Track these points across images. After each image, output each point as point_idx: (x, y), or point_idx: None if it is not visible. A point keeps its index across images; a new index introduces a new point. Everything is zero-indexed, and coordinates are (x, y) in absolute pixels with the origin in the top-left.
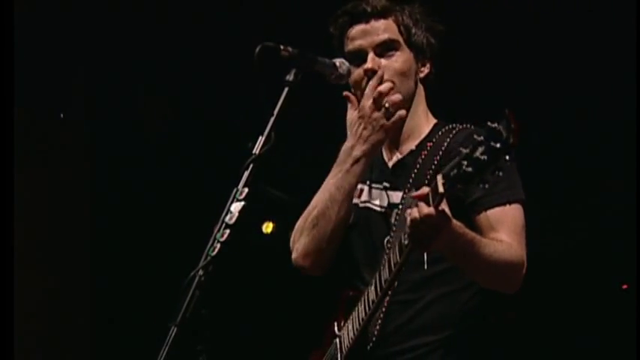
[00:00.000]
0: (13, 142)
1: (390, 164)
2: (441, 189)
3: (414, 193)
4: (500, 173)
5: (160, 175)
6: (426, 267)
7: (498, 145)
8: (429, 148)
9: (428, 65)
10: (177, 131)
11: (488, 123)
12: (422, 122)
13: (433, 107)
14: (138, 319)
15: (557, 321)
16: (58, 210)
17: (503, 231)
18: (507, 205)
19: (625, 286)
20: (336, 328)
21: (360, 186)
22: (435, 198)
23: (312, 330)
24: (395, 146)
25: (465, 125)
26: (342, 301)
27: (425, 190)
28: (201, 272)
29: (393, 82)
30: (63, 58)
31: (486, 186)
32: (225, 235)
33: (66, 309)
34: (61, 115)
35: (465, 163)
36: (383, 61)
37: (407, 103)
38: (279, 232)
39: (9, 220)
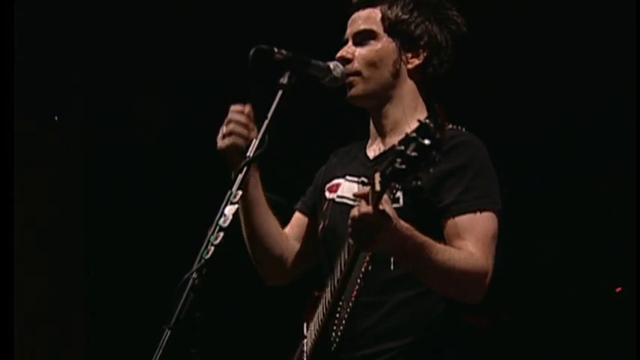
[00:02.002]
0: (13, 144)
1: (372, 158)
2: (377, 187)
3: (356, 192)
4: (431, 169)
5: (154, 177)
6: (392, 267)
7: (427, 142)
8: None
9: (422, 56)
10: (172, 133)
11: (421, 119)
12: (409, 117)
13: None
14: (132, 321)
15: (550, 325)
16: (51, 212)
17: (470, 239)
18: (478, 213)
19: (619, 289)
20: (305, 330)
21: (336, 181)
22: (374, 196)
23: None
24: (379, 139)
25: (453, 126)
26: (308, 304)
27: (365, 188)
28: (195, 275)
29: (359, 71)
30: (58, 58)
31: (419, 183)
32: (219, 238)
33: (59, 311)
34: (55, 118)
35: (399, 160)
36: (357, 49)
37: (379, 92)
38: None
39: (9, 221)
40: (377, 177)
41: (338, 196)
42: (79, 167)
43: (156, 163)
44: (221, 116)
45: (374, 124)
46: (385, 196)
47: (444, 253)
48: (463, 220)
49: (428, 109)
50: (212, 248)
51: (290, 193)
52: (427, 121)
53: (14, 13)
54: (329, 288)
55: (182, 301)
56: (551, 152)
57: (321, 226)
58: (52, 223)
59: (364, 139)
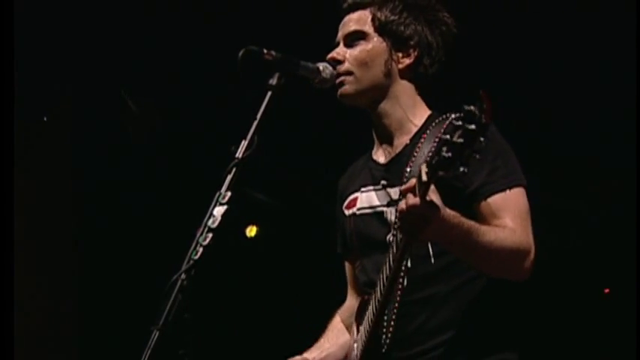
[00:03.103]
0: (13, 146)
1: (385, 162)
2: (424, 177)
3: (401, 187)
4: (478, 155)
5: (143, 178)
6: (433, 261)
7: (473, 127)
8: (423, 140)
9: (413, 56)
10: (161, 134)
11: (464, 106)
12: (411, 114)
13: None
14: (120, 322)
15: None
16: (42, 213)
17: (507, 217)
18: (508, 191)
19: (607, 290)
20: (355, 335)
21: (352, 196)
22: (420, 188)
23: (295, 334)
24: (387, 143)
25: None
26: (358, 307)
27: (412, 181)
28: (183, 276)
29: (351, 71)
30: (47, 59)
31: (466, 170)
32: (208, 239)
33: (49, 311)
34: (45, 119)
35: (445, 148)
36: (349, 50)
37: (371, 91)
38: (263, 236)
39: (8, 223)
40: (423, 168)
41: (358, 209)
42: (67, 167)
43: (144, 164)
44: (211, 117)
45: (376, 127)
46: (432, 187)
47: (490, 233)
48: (496, 199)
49: (428, 107)
50: (201, 249)
51: (276, 194)
52: (471, 107)
53: (5, 14)
54: (378, 288)
55: (170, 302)
56: (539, 150)
57: (351, 243)
58: (42, 223)
59: (362, 146)
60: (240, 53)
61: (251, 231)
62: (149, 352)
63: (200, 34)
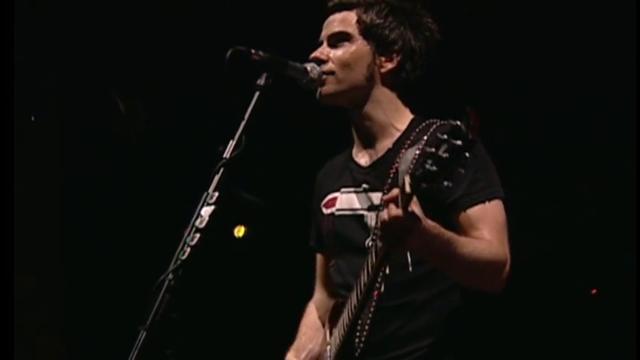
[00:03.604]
0: (13, 147)
1: (367, 165)
2: (407, 189)
3: (384, 197)
4: (463, 170)
5: (131, 177)
6: (410, 269)
7: (459, 143)
8: (407, 145)
9: (396, 61)
10: (149, 134)
11: (450, 121)
12: (393, 119)
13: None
14: (108, 322)
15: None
16: (29, 214)
17: (485, 229)
18: (487, 203)
19: (594, 291)
20: (327, 337)
21: (332, 195)
22: (403, 199)
23: (283, 335)
24: (369, 146)
25: (444, 121)
26: (332, 310)
27: (395, 192)
28: (171, 276)
29: (333, 71)
30: (33, 58)
31: (451, 184)
32: (196, 239)
33: (35, 312)
34: (32, 118)
35: (430, 161)
36: (332, 51)
37: (350, 93)
38: (251, 236)
39: (8, 225)
40: (407, 179)
41: (337, 210)
42: (55, 167)
43: (133, 163)
44: (198, 116)
45: (357, 128)
46: (414, 198)
47: (468, 245)
48: (475, 211)
49: (411, 111)
50: (188, 249)
51: (265, 194)
52: (458, 122)
53: None
54: (355, 293)
55: (158, 302)
56: (528, 152)
57: (328, 242)
58: (30, 224)
59: (343, 146)
60: (228, 53)
61: (239, 231)
62: (136, 352)
63: (187, 33)
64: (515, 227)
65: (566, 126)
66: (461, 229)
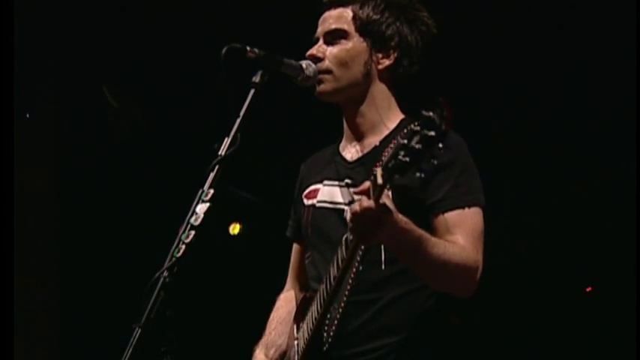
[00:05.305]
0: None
1: (352, 160)
2: (379, 180)
3: (355, 189)
4: (435, 161)
5: (126, 175)
6: (383, 267)
7: (432, 134)
8: (393, 144)
9: (393, 57)
10: (144, 132)
11: (423, 112)
12: (385, 117)
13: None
14: (102, 319)
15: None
16: (25, 211)
17: (460, 234)
18: (466, 209)
19: (589, 289)
20: (295, 331)
21: (314, 187)
22: (375, 190)
23: None
24: (356, 142)
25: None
26: (300, 304)
27: (366, 184)
28: (166, 273)
29: (330, 69)
30: (30, 57)
31: (423, 175)
32: (191, 237)
33: (29, 309)
34: (27, 115)
35: (402, 152)
36: (329, 48)
37: (348, 90)
38: (246, 234)
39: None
40: (379, 171)
41: (318, 201)
42: (50, 165)
43: (127, 162)
44: (194, 114)
45: (349, 124)
46: (386, 191)
47: (440, 246)
48: (453, 215)
49: (401, 109)
50: (183, 246)
51: (260, 191)
52: (430, 113)
53: None
54: (324, 286)
55: (153, 299)
56: (519, 153)
57: (305, 233)
58: (25, 221)
59: (334, 142)
60: (224, 51)
61: (234, 229)
62: (131, 349)
63: (182, 31)
64: (509, 227)
65: (566, 126)
66: (437, 232)
